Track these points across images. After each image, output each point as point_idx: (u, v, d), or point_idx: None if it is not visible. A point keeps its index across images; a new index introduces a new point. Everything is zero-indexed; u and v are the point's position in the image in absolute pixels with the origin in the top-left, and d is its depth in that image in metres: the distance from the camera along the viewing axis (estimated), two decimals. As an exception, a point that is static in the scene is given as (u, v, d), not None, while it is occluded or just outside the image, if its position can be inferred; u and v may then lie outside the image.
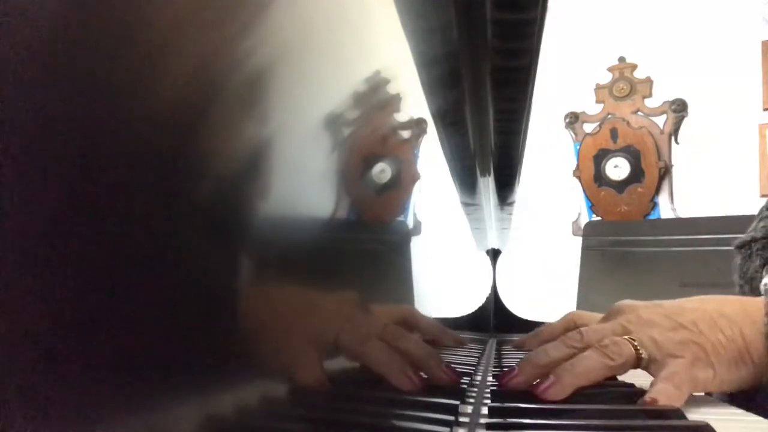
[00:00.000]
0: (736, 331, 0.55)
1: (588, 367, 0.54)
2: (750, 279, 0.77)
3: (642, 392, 0.57)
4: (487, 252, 1.46)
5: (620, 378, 0.68)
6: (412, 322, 0.56)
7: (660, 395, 0.52)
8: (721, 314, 0.57)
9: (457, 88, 0.53)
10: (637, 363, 0.55)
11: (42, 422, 0.10)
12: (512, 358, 0.88)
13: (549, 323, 0.88)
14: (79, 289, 0.11)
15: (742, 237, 0.80)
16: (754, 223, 0.80)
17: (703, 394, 0.58)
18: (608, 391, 0.59)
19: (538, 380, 0.54)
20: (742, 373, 0.55)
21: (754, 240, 0.78)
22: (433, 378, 0.50)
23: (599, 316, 0.80)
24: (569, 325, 0.83)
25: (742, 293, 0.78)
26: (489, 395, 0.56)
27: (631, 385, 0.62)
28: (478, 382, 0.64)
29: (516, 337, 1.21)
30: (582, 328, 0.59)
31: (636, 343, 0.55)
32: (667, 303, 0.61)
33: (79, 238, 0.11)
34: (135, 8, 0.13)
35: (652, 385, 0.54)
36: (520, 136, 0.67)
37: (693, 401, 0.56)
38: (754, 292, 0.76)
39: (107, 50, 0.12)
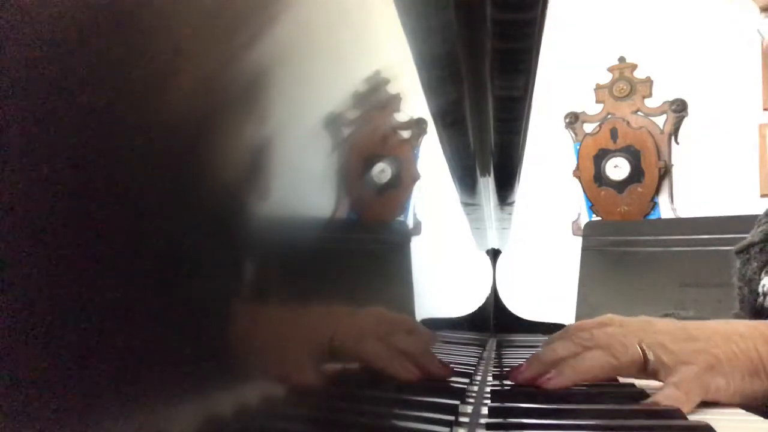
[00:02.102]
0: (750, 345, 0.55)
1: (591, 364, 0.56)
2: (749, 281, 0.78)
3: (642, 392, 0.57)
4: (487, 252, 1.46)
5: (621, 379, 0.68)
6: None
7: (667, 399, 0.52)
8: (735, 330, 0.57)
9: (457, 88, 0.53)
10: (644, 366, 0.56)
11: (42, 422, 0.10)
12: (512, 358, 0.88)
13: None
14: (79, 289, 0.11)
15: (741, 242, 0.81)
16: (754, 229, 0.81)
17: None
18: (609, 392, 0.59)
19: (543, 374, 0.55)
20: (755, 386, 0.55)
21: (752, 244, 0.79)
22: (428, 371, 0.49)
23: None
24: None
25: (741, 295, 0.79)
26: (489, 395, 0.56)
27: (632, 386, 0.62)
28: (478, 382, 0.64)
29: (516, 337, 1.21)
30: (593, 329, 0.59)
31: (644, 345, 0.56)
32: (682, 321, 0.61)
33: (79, 239, 0.11)
34: (133, 8, 0.13)
35: (660, 389, 0.54)
36: (520, 136, 0.67)
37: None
38: (753, 293, 0.76)
39: (106, 51, 0.12)
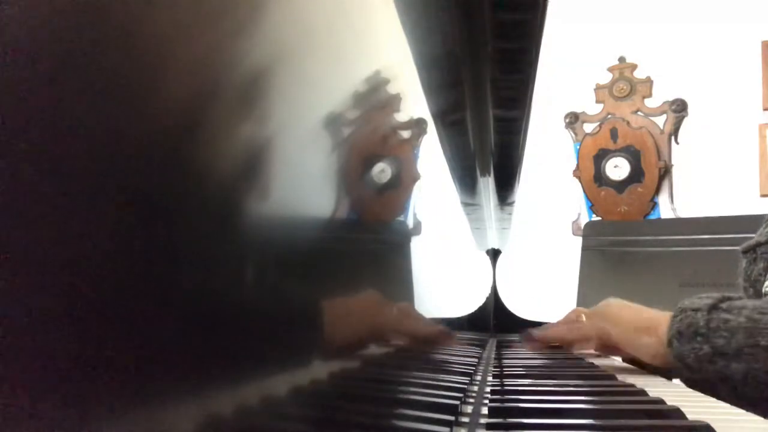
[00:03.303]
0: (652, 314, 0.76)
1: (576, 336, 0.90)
2: (754, 282, 0.78)
3: (642, 392, 0.58)
4: (487, 252, 1.46)
5: (620, 379, 0.68)
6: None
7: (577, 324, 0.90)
8: (655, 313, 0.76)
9: (457, 88, 0.53)
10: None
11: (42, 422, 0.10)
12: (512, 358, 0.89)
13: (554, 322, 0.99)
14: (79, 290, 0.11)
15: (748, 242, 0.80)
16: (761, 229, 0.80)
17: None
18: (609, 391, 0.59)
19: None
20: (643, 341, 0.74)
21: (759, 244, 0.78)
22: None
23: None
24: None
25: (747, 296, 0.78)
26: (489, 395, 0.56)
27: (632, 385, 0.62)
28: (478, 382, 0.64)
29: (516, 337, 1.21)
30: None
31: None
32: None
33: (78, 239, 0.11)
34: (133, 8, 0.13)
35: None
36: (520, 136, 0.67)
37: (693, 400, 0.56)
38: (758, 294, 0.76)
39: (105, 50, 0.12)
